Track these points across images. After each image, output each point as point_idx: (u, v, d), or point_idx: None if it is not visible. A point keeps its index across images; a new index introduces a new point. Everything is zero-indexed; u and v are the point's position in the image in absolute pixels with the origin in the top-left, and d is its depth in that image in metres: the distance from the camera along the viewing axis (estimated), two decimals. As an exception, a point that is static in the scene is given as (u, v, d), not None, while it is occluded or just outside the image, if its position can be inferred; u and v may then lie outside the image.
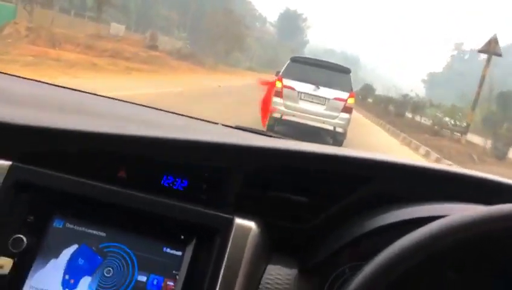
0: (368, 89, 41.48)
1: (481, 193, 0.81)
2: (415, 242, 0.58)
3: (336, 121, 8.85)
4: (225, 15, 44.77)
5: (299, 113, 8.89)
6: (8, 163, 0.82)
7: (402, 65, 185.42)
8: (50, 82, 1.39)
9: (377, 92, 41.91)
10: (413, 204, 0.80)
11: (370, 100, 37.55)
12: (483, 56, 18.79)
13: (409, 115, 24.05)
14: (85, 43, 20.14)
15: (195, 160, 0.88)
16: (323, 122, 8.92)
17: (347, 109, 8.91)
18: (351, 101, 9.02)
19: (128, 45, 24.55)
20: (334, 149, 0.93)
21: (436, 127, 17.47)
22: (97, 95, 1.38)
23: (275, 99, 8.85)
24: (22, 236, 0.77)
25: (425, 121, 21.26)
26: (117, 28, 31.83)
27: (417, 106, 24.05)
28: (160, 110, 1.34)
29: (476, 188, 0.85)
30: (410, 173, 0.87)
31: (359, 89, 43.85)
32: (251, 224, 0.81)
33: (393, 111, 24.95)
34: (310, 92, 8.96)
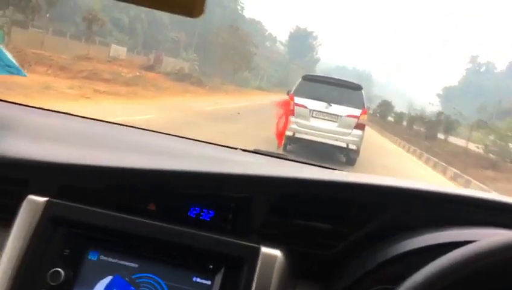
0: (386, 106, 38.87)
1: (504, 217, 0.84)
2: (442, 268, 0.59)
3: (349, 138, 8.74)
4: (231, 32, 43.46)
5: (311, 130, 8.80)
6: (44, 199, 0.87)
7: (415, 79, 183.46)
8: (66, 112, 1.41)
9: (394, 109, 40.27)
10: (436, 230, 0.82)
11: (391, 119, 35.07)
12: (500, 68, 16.55)
13: (440, 136, 20.72)
14: (60, 64, 18.55)
15: (221, 191, 0.92)
16: (336, 140, 8.80)
17: (360, 126, 8.83)
18: (363, 117, 8.93)
19: (121, 66, 23.31)
20: (354, 177, 0.96)
21: (493, 155, 13.29)
22: (116, 123, 1.40)
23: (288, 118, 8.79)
24: (59, 269, 0.82)
25: (462, 143, 17.42)
26: (117, 50, 30.77)
27: (451, 125, 20.68)
28: (182, 137, 1.38)
29: (499, 212, 0.86)
30: (430, 199, 0.89)
31: (376, 106, 40.86)
32: (277, 252, 0.84)
33: (423, 132, 21.86)
34: (321, 110, 8.90)
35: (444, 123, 21.16)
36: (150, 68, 26.40)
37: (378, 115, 37.47)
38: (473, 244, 0.60)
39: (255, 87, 45.94)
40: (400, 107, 41.19)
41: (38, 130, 1.21)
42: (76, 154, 1.00)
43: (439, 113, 23.66)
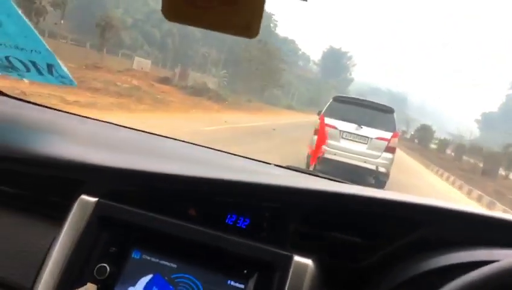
0: (425, 131, 35.35)
1: None
2: (467, 285, 0.63)
3: (379, 160, 8.66)
4: (259, 48, 41.90)
5: (340, 152, 8.70)
6: (94, 200, 0.94)
7: (452, 103, 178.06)
8: (113, 122, 1.50)
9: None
10: (464, 249, 0.83)
11: (433, 146, 31.95)
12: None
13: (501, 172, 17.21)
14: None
15: (257, 201, 0.96)
16: (365, 162, 8.72)
17: (390, 149, 8.73)
18: (394, 140, 8.82)
19: (133, 77, 21.90)
20: (387, 193, 0.97)
21: None
22: (151, 133, 1.49)
23: (315, 138, 8.59)
24: (105, 265, 0.87)
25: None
26: (141, 63, 30.21)
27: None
28: (219, 151, 1.43)
29: None
30: (461, 218, 0.91)
31: (415, 130, 37.86)
32: (308, 261, 0.87)
33: (476, 165, 18.74)
34: (351, 131, 8.81)
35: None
36: (164, 81, 25.00)
37: (416, 140, 34.60)
38: (495, 264, 0.63)
39: (285, 106, 44.10)
40: (437, 131, 38.64)
41: (87, 136, 1.31)
42: (125, 160, 1.06)
43: (508, 146, 20.54)
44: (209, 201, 0.99)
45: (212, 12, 0.52)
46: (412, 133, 39.16)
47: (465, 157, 22.27)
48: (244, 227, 0.95)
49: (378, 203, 0.94)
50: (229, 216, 0.96)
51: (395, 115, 9.22)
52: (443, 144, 30.35)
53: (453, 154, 26.27)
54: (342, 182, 1.26)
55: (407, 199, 0.94)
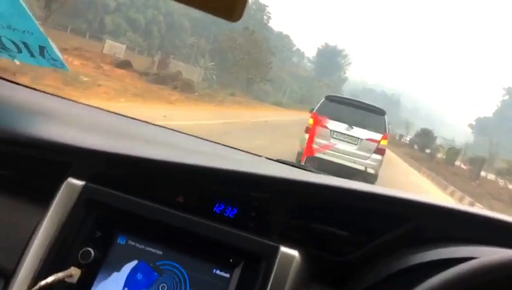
0: (426, 136, 31.73)
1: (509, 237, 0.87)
2: (444, 281, 0.64)
3: (368, 161, 8.70)
4: (245, 36, 38.58)
5: (330, 151, 8.69)
6: (81, 183, 0.93)
7: (445, 107, 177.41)
8: (99, 107, 1.48)
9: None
10: (448, 245, 0.85)
11: (441, 156, 27.47)
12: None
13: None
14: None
15: (245, 190, 0.96)
16: (354, 162, 8.73)
17: (380, 151, 8.77)
18: (384, 142, 8.88)
19: (76, 57, 18.70)
20: (375, 188, 0.98)
21: None
22: (148, 122, 1.49)
23: (306, 136, 8.41)
24: (90, 249, 0.87)
25: None
26: (114, 47, 25.80)
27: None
28: (212, 142, 1.44)
29: (506, 232, 0.89)
30: (446, 214, 0.92)
31: (415, 134, 34.37)
32: (295, 253, 0.88)
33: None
34: (342, 131, 8.82)
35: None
36: (124, 65, 20.43)
37: (416, 146, 31.60)
38: (475, 261, 0.64)
39: (273, 102, 41.23)
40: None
41: (76, 120, 1.27)
42: (113, 144, 1.05)
43: None
44: (197, 189, 0.98)
45: None
46: (410, 137, 36.19)
47: (483, 174, 19.03)
48: (232, 216, 0.94)
49: (365, 197, 0.94)
50: (217, 205, 0.95)
51: (386, 117, 9.19)
52: (452, 154, 25.73)
53: (463, 166, 22.99)
54: (332, 176, 1.25)
55: (393, 193, 0.95)
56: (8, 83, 1.37)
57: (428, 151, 27.92)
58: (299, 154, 8.72)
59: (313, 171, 1.27)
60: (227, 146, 1.42)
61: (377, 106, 9.66)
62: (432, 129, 33.03)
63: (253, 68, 38.16)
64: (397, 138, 40.42)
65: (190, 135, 1.47)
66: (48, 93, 1.45)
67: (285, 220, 0.95)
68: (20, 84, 1.41)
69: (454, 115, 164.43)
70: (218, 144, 1.44)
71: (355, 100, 10.22)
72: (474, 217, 0.91)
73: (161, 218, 0.91)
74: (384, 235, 0.91)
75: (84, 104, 1.48)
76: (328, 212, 0.95)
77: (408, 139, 38.27)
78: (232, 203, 0.95)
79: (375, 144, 8.74)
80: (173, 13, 39.45)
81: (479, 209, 1.00)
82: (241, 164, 1.12)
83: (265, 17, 59.03)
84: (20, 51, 1.03)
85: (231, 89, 33.44)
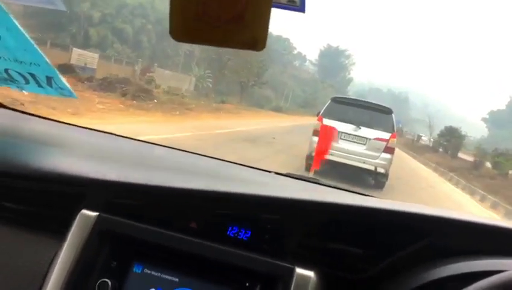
0: (452, 135, 25.74)
1: None
2: None
3: (377, 161, 8.65)
4: None
5: (339, 152, 8.68)
6: (95, 214, 0.94)
7: (456, 102, 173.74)
8: (111, 132, 1.50)
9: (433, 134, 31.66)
10: (469, 258, 0.84)
11: (467, 158, 21.33)
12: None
13: None
14: None
15: (258, 212, 0.97)
16: (364, 162, 8.69)
17: (389, 150, 8.74)
18: (392, 141, 8.82)
19: None
20: (387, 203, 0.98)
21: None
22: (152, 143, 1.51)
23: (314, 139, 8.48)
24: (107, 280, 0.88)
25: None
26: (83, 56, 22.52)
27: None
28: (219, 159, 1.43)
29: None
30: (463, 227, 0.91)
31: (437, 135, 28.11)
32: (310, 273, 0.88)
33: None
34: (350, 132, 8.85)
35: None
36: (67, 70, 16.91)
37: (441, 148, 26.14)
38: (502, 274, 0.63)
39: (272, 108, 38.19)
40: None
41: (86, 147, 1.31)
42: (124, 172, 1.06)
43: None
44: (209, 213, 0.98)
45: (219, 30, 0.52)
46: (432, 138, 30.16)
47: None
48: (245, 239, 0.94)
49: (377, 214, 0.94)
50: (230, 228, 0.95)
51: (393, 115, 9.15)
52: (505, 161, 17.41)
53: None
54: (342, 189, 1.25)
55: (407, 208, 0.93)
56: (16, 113, 1.38)
57: (460, 155, 23.17)
58: (308, 157, 8.60)
59: (322, 184, 1.29)
60: (236, 163, 1.42)
61: (383, 104, 9.60)
62: (458, 127, 27.62)
63: (245, 70, 34.97)
64: (415, 138, 35.77)
65: (198, 154, 1.46)
66: (56, 121, 1.48)
67: (299, 240, 0.95)
68: (27, 113, 1.41)
69: (466, 109, 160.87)
70: (228, 161, 1.43)
71: (361, 100, 10.19)
72: (493, 229, 0.89)
73: (175, 245, 0.91)
74: (400, 251, 0.89)
75: (93, 129, 1.49)
76: (342, 230, 0.95)
77: (426, 139, 33.33)
78: (245, 226, 0.95)
79: (384, 143, 8.70)
80: (162, 21, 37.31)
81: (497, 220, 0.96)
82: (251, 184, 1.16)
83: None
84: (28, 82, 1.06)
85: (225, 96, 30.97)
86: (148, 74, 21.63)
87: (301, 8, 0.65)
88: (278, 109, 37.24)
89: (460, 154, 23.69)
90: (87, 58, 22.04)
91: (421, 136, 35.37)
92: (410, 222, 0.92)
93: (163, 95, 19.14)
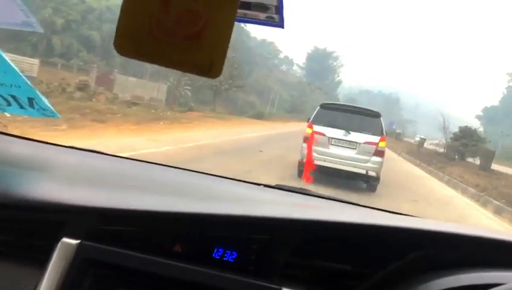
0: (470, 138, 19.95)
1: None
2: None
3: (368, 164, 8.79)
4: None
5: (330, 158, 8.83)
6: (76, 242, 0.92)
7: (448, 100, 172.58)
8: (95, 150, 1.47)
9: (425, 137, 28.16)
10: (464, 271, 0.83)
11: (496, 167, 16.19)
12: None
13: None
14: None
15: (243, 233, 0.95)
16: (355, 167, 8.81)
17: (379, 153, 8.87)
18: (382, 144, 8.94)
19: None
20: (376, 217, 0.98)
21: None
22: (136, 159, 1.48)
23: (305, 145, 8.77)
24: None
25: None
26: (19, 62, 17.53)
27: None
28: (206, 174, 1.41)
29: None
30: (460, 240, 0.90)
31: (451, 139, 21.46)
32: None
33: None
34: (340, 137, 8.98)
35: None
36: None
37: (457, 155, 20.18)
38: (499, 287, 0.63)
39: (253, 115, 34.13)
40: (436, 132, 27.18)
41: (68, 169, 1.28)
42: (107, 196, 1.05)
43: None
44: (195, 236, 0.96)
45: (172, 47, 0.48)
46: (446, 142, 22.54)
47: None
48: (231, 261, 0.93)
49: (364, 229, 0.93)
50: (215, 250, 0.94)
51: (382, 119, 9.29)
52: None
53: None
54: (332, 199, 1.23)
55: (394, 223, 0.93)
56: None
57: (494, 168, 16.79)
58: (300, 164, 8.70)
59: (312, 195, 1.28)
60: (224, 177, 1.38)
61: (371, 109, 9.71)
62: (475, 128, 22.55)
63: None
64: (417, 142, 29.13)
65: (183, 168, 1.43)
66: (37, 141, 1.43)
67: (286, 259, 0.93)
68: (7, 134, 1.38)
69: (458, 108, 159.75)
70: (215, 176, 1.40)
71: (349, 105, 10.42)
72: (490, 242, 0.88)
73: (159, 270, 0.89)
74: (388, 266, 0.88)
75: (71, 147, 1.45)
76: (329, 247, 0.94)
77: (435, 142, 26.89)
78: (231, 247, 0.93)
79: (374, 147, 8.81)
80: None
81: (493, 232, 0.94)
82: (238, 202, 1.13)
83: (245, 27, 54.11)
84: (9, 104, 1.05)
85: (205, 105, 27.93)
86: (80, 80, 18.53)
87: (280, 24, 0.64)
88: (259, 116, 33.75)
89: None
90: (24, 64, 18.71)
91: (424, 138, 29.51)
92: (398, 237, 0.91)
93: (104, 104, 15.98)
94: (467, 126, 21.97)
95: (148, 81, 29.60)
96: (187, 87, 33.56)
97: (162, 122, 14.81)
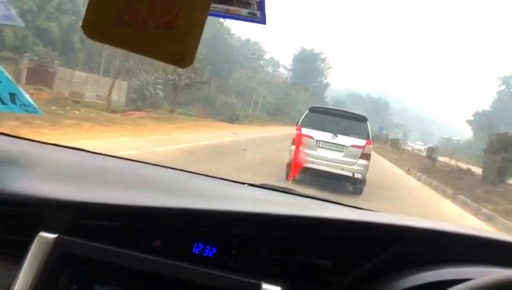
0: (505, 141, 13.97)
1: (503, 256, 0.86)
2: None
3: (354, 167, 8.93)
4: None
5: (317, 160, 8.98)
6: (54, 236, 0.92)
7: (438, 104, 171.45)
8: (79, 147, 1.46)
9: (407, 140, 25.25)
10: (440, 267, 0.84)
11: None
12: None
13: None
14: None
15: (223, 228, 0.96)
16: (342, 169, 8.96)
17: (365, 156, 9.05)
18: (368, 148, 9.13)
19: None
20: (356, 214, 0.99)
21: None
22: (120, 157, 1.44)
23: (293, 147, 8.93)
24: None
25: None
26: None
27: None
28: (191, 172, 1.40)
29: (498, 251, 0.88)
30: (436, 237, 0.91)
31: (484, 151, 15.48)
32: (277, 289, 0.88)
33: None
34: (328, 140, 9.15)
35: None
36: None
37: (498, 177, 13.61)
38: (469, 282, 0.64)
39: (225, 118, 30.35)
40: (425, 136, 24.47)
41: (50, 166, 1.25)
42: (87, 191, 1.04)
43: None
44: (174, 231, 0.96)
45: (144, 34, 0.47)
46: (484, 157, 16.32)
47: None
48: (211, 256, 0.93)
49: (344, 225, 0.94)
50: (195, 245, 0.93)
51: (368, 123, 9.45)
52: None
53: None
54: (315, 198, 1.24)
55: (375, 219, 0.95)
56: None
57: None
58: (288, 165, 8.75)
59: (295, 194, 1.29)
60: (209, 176, 1.38)
61: (358, 113, 9.91)
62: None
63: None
64: (425, 151, 22.76)
65: (167, 167, 1.41)
66: (20, 138, 1.41)
67: (266, 255, 0.93)
68: None
69: (448, 111, 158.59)
70: (200, 174, 1.39)
71: (337, 109, 10.85)
72: (465, 238, 0.90)
73: (138, 265, 0.89)
74: (368, 261, 0.89)
75: (58, 145, 1.44)
76: (309, 243, 0.94)
77: (425, 148, 22.39)
78: (210, 243, 0.93)
79: (360, 150, 8.99)
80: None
81: (466, 228, 0.97)
82: (220, 199, 1.12)
83: (225, 23, 50.80)
84: None
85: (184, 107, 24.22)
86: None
87: (262, 20, 0.64)
88: (233, 119, 30.13)
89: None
90: None
91: (433, 147, 23.50)
92: (378, 232, 0.92)
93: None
94: (507, 133, 15.52)
95: (101, 77, 26.00)
96: (159, 86, 30.22)
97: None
